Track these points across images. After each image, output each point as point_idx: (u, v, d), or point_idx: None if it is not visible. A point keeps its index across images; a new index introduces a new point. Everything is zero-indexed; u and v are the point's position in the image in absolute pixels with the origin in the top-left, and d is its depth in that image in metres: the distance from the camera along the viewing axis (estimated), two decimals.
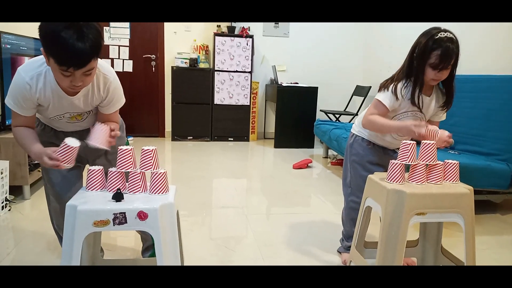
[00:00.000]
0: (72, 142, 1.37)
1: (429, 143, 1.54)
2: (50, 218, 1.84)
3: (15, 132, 1.52)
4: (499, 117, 2.96)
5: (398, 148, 1.90)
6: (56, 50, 1.24)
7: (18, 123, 1.51)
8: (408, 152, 1.53)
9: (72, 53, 1.22)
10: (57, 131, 1.70)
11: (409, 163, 1.54)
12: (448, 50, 1.60)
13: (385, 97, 1.75)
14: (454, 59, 1.63)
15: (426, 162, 1.54)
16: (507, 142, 2.90)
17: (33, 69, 1.42)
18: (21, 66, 1.46)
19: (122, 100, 1.65)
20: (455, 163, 1.59)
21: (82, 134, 1.67)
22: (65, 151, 1.36)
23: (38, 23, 1.26)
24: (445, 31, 1.63)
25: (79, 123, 1.66)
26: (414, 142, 1.56)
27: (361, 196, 1.78)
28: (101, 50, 1.32)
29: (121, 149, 1.40)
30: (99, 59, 1.41)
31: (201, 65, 5.26)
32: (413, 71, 1.70)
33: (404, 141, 1.57)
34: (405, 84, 1.73)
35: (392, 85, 1.75)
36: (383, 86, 1.78)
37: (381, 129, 1.79)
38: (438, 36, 1.61)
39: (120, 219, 1.26)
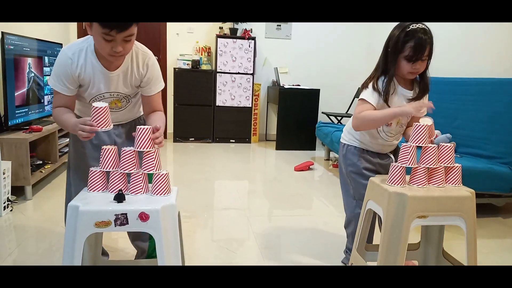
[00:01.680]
0: (100, 104, 1.38)
1: (430, 147, 1.54)
2: (65, 213, 1.81)
3: (55, 112, 1.56)
4: (503, 120, 2.96)
5: (391, 152, 1.90)
6: (100, 14, 1.27)
7: (59, 103, 1.55)
8: (408, 155, 1.53)
9: (115, 16, 1.27)
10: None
11: (410, 165, 1.54)
12: (421, 41, 1.58)
13: (368, 95, 1.72)
14: (428, 50, 1.61)
15: (427, 165, 1.54)
16: (510, 146, 2.89)
17: (75, 46, 1.50)
18: (65, 46, 1.53)
19: (162, 82, 1.68)
20: (457, 166, 1.59)
21: (117, 129, 1.73)
22: (97, 114, 1.37)
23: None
24: (421, 23, 1.61)
25: (117, 113, 1.68)
26: (414, 145, 1.55)
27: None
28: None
29: (124, 150, 1.40)
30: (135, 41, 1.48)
31: (203, 67, 5.27)
32: (388, 65, 1.69)
33: (404, 144, 1.57)
34: (384, 80, 1.71)
35: (371, 82, 1.73)
36: (364, 85, 1.76)
37: (377, 122, 1.72)
38: (410, 28, 1.59)
39: (122, 220, 1.26)
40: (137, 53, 1.56)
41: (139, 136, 1.38)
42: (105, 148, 1.40)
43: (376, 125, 1.77)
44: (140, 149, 1.39)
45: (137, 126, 1.41)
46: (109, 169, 1.40)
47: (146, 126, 1.40)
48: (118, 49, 1.38)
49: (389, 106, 1.71)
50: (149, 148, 1.39)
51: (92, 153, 1.68)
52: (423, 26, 1.61)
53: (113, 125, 1.67)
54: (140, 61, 1.57)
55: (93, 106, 1.37)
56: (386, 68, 1.71)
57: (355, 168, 1.88)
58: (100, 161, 1.40)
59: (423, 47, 1.59)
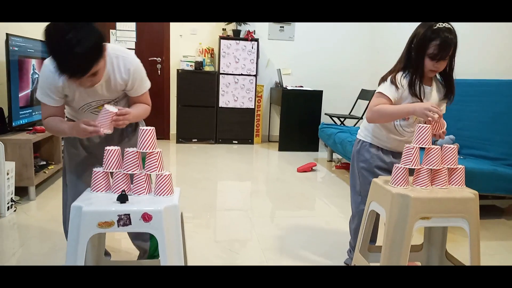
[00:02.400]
0: (111, 108, 1.41)
1: (434, 148, 1.54)
2: (63, 215, 1.84)
3: (46, 123, 1.58)
4: (506, 121, 2.94)
5: None
6: (56, 62, 1.31)
7: (48, 115, 1.57)
8: (411, 156, 1.53)
9: (69, 67, 1.29)
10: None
11: (413, 167, 1.53)
12: (447, 40, 1.59)
13: (385, 88, 1.73)
14: (452, 49, 1.62)
15: (430, 167, 1.53)
16: None
17: None
18: (47, 59, 1.53)
19: (147, 82, 1.69)
20: (460, 167, 1.59)
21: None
22: (104, 116, 1.40)
23: (45, 25, 1.29)
24: (444, 22, 1.62)
25: None
26: (417, 147, 1.55)
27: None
28: (102, 53, 1.35)
29: (128, 151, 1.41)
30: (114, 45, 1.49)
31: (207, 68, 5.28)
32: (411, 61, 1.70)
33: (407, 145, 1.56)
34: (404, 75, 1.72)
35: (390, 76, 1.73)
36: (383, 79, 1.77)
37: (391, 116, 1.73)
38: (436, 27, 1.60)
39: (125, 220, 1.26)
40: (118, 58, 1.52)
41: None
42: (108, 149, 1.40)
43: (390, 119, 1.78)
44: (143, 150, 1.40)
45: (140, 128, 1.42)
46: (112, 169, 1.41)
47: (148, 128, 1.41)
48: (85, 85, 1.40)
49: (419, 97, 1.71)
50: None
51: (82, 153, 1.71)
52: (449, 26, 1.61)
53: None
54: (122, 67, 1.54)
55: (104, 108, 1.41)
56: (409, 64, 1.71)
57: (367, 165, 1.89)
58: (104, 162, 1.41)
59: (448, 46, 1.60)
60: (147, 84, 1.69)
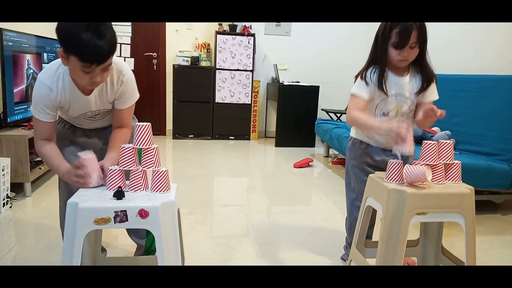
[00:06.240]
0: (86, 154, 1.41)
1: (430, 143, 1.54)
2: (60, 214, 1.82)
3: (41, 149, 1.57)
4: (501, 117, 2.96)
5: None
6: (79, 48, 1.30)
7: (41, 135, 1.57)
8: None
9: (94, 50, 1.30)
10: (76, 128, 1.75)
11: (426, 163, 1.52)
12: (407, 27, 1.56)
13: (357, 88, 1.73)
14: (417, 36, 1.58)
15: (426, 162, 1.54)
16: (509, 142, 2.89)
17: (52, 73, 1.50)
18: (40, 73, 1.53)
19: (136, 95, 1.69)
20: (457, 163, 1.59)
21: (100, 132, 1.78)
22: (90, 168, 1.40)
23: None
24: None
25: (99, 120, 1.71)
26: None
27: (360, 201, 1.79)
28: (116, 46, 1.41)
29: (123, 147, 1.40)
30: None
31: (203, 64, 5.26)
32: (377, 53, 1.69)
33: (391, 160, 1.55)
34: (373, 70, 1.71)
35: (360, 74, 1.73)
36: (356, 77, 1.77)
37: (365, 127, 1.74)
38: None
39: (121, 217, 1.26)
40: (112, 69, 1.53)
41: (139, 133, 1.39)
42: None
43: (366, 131, 1.79)
44: (139, 146, 1.39)
45: (136, 124, 1.42)
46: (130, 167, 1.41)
47: (145, 123, 1.40)
48: (97, 79, 1.40)
49: (385, 92, 1.70)
50: (149, 145, 1.40)
51: (75, 151, 1.67)
52: None
53: (98, 128, 1.77)
54: (115, 78, 1.56)
55: (110, 169, 1.40)
56: (376, 57, 1.71)
57: (357, 162, 1.90)
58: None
59: (408, 32, 1.57)
60: (136, 96, 1.69)
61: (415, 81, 1.74)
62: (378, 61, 1.69)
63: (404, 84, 1.72)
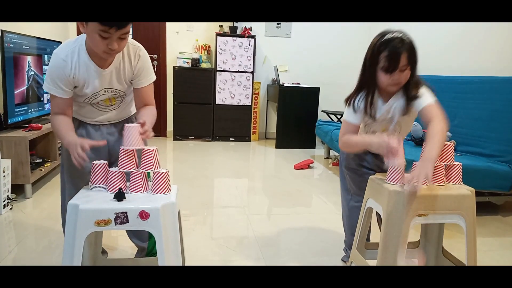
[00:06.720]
0: (132, 125, 1.41)
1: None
2: (62, 213, 1.82)
3: (53, 120, 1.57)
4: (502, 119, 2.95)
5: None
6: (100, 11, 1.29)
7: (56, 109, 1.56)
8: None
9: (115, 14, 1.29)
10: (84, 124, 1.72)
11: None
12: (396, 50, 1.49)
13: (347, 115, 1.70)
14: (406, 59, 1.51)
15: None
16: (510, 144, 2.89)
17: (67, 47, 1.51)
18: (56, 49, 1.54)
19: (153, 74, 1.69)
20: (458, 164, 1.59)
21: (110, 128, 1.75)
22: (130, 134, 1.40)
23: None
24: (399, 32, 1.52)
25: (110, 112, 1.70)
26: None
27: (360, 199, 1.78)
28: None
29: (123, 149, 1.40)
30: None
31: (203, 65, 5.26)
32: (366, 78, 1.62)
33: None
34: (361, 97, 1.66)
35: (350, 100, 1.69)
36: (346, 102, 1.72)
37: (357, 146, 1.71)
38: (385, 38, 1.52)
39: (122, 218, 1.26)
40: (128, 46, 1.56)
41: (128, 134, 1.39)
42: (128, 126, 1.41)
43: (357, 149, 1.76)
44: (129, 147, 1.39)
45: (125, 125, 1.42)
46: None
47: (133, 124, 1.41)
48: (113, 46, 1.39)
49: (372, 118, 1.67)
50: (138, 146, 1.40)
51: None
52: (400, 35, 1.52)
53: (107, 123, 1.74)
54: (132, 53, 1.58)
55: (127, 127, 1.40)
56: (365, 82, 1.64)
57: (350, 164, 1.89)
58: (124, 140, 1.41)
59: (397, 56, 1.49)
60: (153, 75, 1.69)
61: (399, 103, 1.66)
62: (366, 87, 1.64)
63: (390, 109, 1.67)
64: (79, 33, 1.53)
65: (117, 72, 1.57)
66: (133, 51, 1.58)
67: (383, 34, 1.55)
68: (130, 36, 1.48)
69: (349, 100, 1.71)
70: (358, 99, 1.67)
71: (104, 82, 1.57)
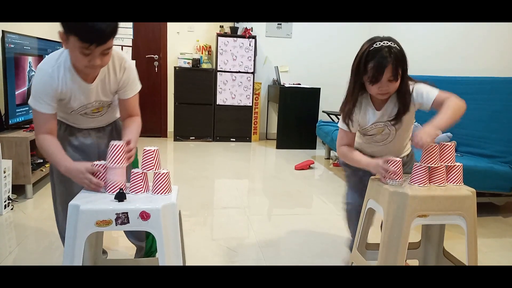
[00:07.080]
0: (117, 142, 1.39)
1: (431, 145, 1.53)
2: (56, 219, 1.80)
3: (42, 141, 1.50)
4: (503, 119, 2.95)
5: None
6: (79, 28, 1.28)
7: (43, 128, 1.50)
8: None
9: (94, 30, 1.28)
10: (73, 130, 1.70)
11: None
12: (382, 61, 1.44)
13: (342, 124, 1.70)
14: (393, 69, 1.46)
15: (428, 164, 1.54)
16: (510, 144, 2.89)
17: (52, 61, 1.47)
18: (40, 63, 1.51)
19: (138, 85, 1.67)
20: (458, 165, 1.59)
21: (99, 131, 1.74)
22: (115, 152, 1.38)
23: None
24: (389, 39, 1.49)
25: (98, 118, 1.68)
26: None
27: (349, 198, 1.84)
28: (117, 31, 1.38)
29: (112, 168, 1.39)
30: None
31: (204, 66, 5.27)
32: (353, 87, 1.61)
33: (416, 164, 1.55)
34: (352, 105, 1.64)
35: (343, 107, 1.68)
36: (340, 111, 1.71)
37: (355, 164, 1.71)
38: (373, 47, 1.48)
39: (123, 219, 1.26)
40: (113, 58, 1.52)
41: (112, 152, 1.37)
42: (113, 144, 1.39)
43: (354, 165, 1.74)
44: (113, 165, 1.37)
45: (110, 142, 1.39)
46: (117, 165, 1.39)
47: (119, 142, 1.39)
48: (96, 62, 1.36)
49: (348, 128, 1.67)
50: (122, 165, 1.38)
51: (73, 154, 1.64)
52: (389, 43, 1.48)
53: (95, 128, 1.72)
54: (117, 65, 1.54)
55: (112, 144, 1.38)
56: (353, 92, 1.61)
57: (347, 166, 1.88)
58: (108, 157, 1.39)
59: (383, 68, 1.45)
60: (138, 86, 1.67)
61: (390, 109, 1.63)
62: (354, 95, 1.63)
63: (381, 115, 1.65)
64: None
65: (102, 85, 1.54)
66: (119, 63, 1.54)
67: (371, 43, 1.51)
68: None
69: (341, 108, 1.70)
70: (350, 108, 1.66)
71: (91, 96, 1.55)
